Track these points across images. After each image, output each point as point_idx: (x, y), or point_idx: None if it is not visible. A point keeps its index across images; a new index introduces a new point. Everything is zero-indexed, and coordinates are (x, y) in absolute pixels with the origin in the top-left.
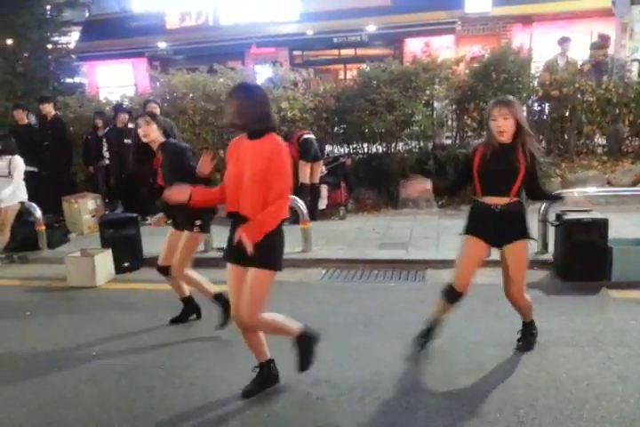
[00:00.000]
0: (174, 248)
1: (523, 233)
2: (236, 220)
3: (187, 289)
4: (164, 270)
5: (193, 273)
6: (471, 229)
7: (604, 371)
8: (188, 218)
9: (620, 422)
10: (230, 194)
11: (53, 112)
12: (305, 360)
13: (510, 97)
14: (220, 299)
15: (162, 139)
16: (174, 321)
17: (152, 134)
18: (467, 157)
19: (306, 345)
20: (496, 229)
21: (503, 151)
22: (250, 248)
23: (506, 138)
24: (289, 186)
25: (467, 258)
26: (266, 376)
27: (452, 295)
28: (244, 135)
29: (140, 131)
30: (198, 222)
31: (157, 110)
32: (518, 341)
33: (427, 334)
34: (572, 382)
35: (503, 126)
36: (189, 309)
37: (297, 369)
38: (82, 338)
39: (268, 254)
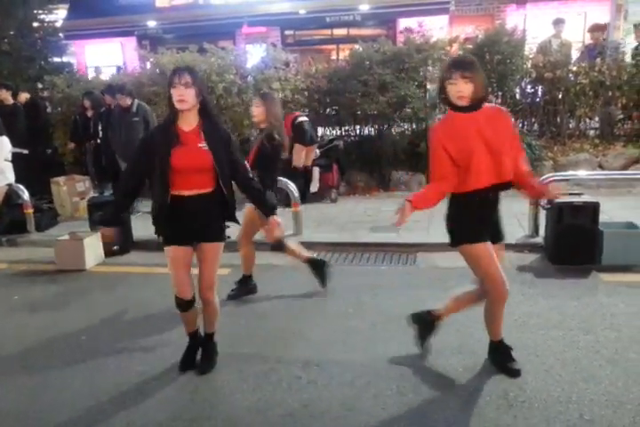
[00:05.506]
0: None
1: None
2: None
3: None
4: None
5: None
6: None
7: (592, 354)
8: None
9: (607, 404)
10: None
11: (12, 100)
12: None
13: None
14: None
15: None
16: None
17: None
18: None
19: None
20: None
21: None
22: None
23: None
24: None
25: None
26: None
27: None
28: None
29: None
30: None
31: (128, 101)
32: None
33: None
34: (561, 364)
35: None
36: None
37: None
38: (70, 322)
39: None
